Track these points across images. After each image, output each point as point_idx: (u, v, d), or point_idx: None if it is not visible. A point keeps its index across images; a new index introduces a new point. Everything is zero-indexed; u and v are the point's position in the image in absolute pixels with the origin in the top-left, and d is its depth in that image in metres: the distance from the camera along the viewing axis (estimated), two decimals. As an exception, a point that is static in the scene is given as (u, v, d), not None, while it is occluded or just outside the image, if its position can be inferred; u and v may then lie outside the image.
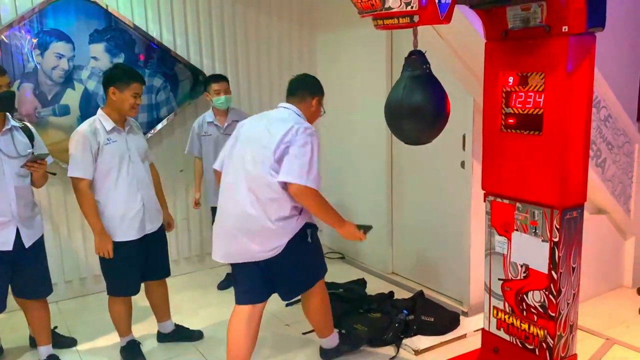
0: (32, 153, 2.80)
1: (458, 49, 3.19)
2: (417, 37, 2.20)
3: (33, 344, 3.29)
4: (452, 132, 3.57)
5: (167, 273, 3.29)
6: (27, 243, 2.81)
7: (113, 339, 3.33)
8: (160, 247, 3.22)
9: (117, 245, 2.93)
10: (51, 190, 3.93)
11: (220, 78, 4.04)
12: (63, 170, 3.89)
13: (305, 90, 2.79)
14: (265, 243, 2.61)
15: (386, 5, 1.92)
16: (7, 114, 2.78)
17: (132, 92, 2.90)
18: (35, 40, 3.72)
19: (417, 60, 2.16)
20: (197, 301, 4.02)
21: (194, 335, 3.41)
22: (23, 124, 2.88)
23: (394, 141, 4.20)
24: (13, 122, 2.79)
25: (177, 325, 3.43)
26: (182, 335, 3.40)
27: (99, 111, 2.96)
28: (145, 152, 3.12)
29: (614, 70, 3.79)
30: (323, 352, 3.13)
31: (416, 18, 1.92)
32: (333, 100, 4.84)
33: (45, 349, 3.04)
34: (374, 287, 4.09)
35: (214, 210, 4.20)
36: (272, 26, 4.71)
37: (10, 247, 2.74)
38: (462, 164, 3.59)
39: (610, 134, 3.66)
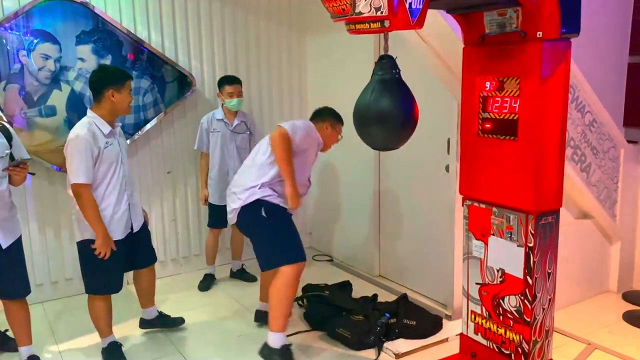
0: (11, 154, 2.80)
1: (441, 53, 3.20)
2: (388, 42, 2.20)
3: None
4: (437, 136, 3.60)
5: (155, 259, 3.38)
6: (5, 244, 2.80)
7: (95, 340, 3.32)
8: (145, 238, 3.30)
9: None
10: (38, 191, 3.94)
11: (234, 80, 4.08)
12: (49, 171, 3.92)
13: (317, 117, 3.37)
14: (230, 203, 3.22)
15: (357, 10, 1.93)
16: None
17: (128, 91, 2.98)
18: (34, 39, 3.75)
19: (386, 64, 2.16)
20: (182, 303, 4.02)
21: (176, 322, 3.50)
22: (2, 124, 2.87)
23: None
24: None
25: (160, 312, 3.49)
26: (165, 322, 3.48)
27: (91, 113, 2.94)
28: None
29: (600, 76, 3.80)
30: (263, 346, 3.09)
31: (387, 23, 1.92)
32: (324, 102, 4.85)
33: (26, 350, 3.03)
34: (361, 289, 4.10)
35: (211, 207, 4.23)
36: (260, 28, 4.72)
37: None
38: (447, 168, 3.59)
39: (595, 138, 3.66)
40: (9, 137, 2.82)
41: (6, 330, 3.29)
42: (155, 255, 3.39)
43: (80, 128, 2.88)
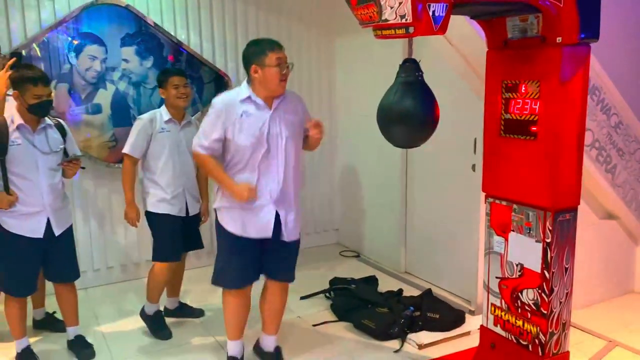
0: (65, 149, 3.07)
1: (467, 56, 3.33)
2: (412, 46, 2.34)
3: (36, 325, 3.59)
4: (464, 136, 3.71)
5: (201, 245, 3.75)
6: (57, 232, 3.05)
7: (135, 324, 3.62)
8: (194, 227, 3.61)
9: (162, 217, 3.39)
10: (83, 184, 4.21)
11: None
12: (94, 165, 4.19)
13: (245, 67, 2.79)
14: None
15: (383, 18, 2.08)
16: None
17: (171, 85, 3.35)
18: (83, 41, 4.04)
19: (410, 67, 2.30)
20: (217, 292, 4.23)
21: (195, 312, 3.77)
22: (57, 121, 3.14)
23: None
24: (47, 121, 3.04)
25: (181, 303, 3.78)
26: (186, 312, 3.76)
27: (162, 106, 3.45)
28: None
29: (629, 78, 3.85)
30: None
31: (411, 29, 2.06)
32: (352, 103, 5.04)
33: (73, 330, 3.30)
34: (387, 285, 4.24)
35: None
36: (292, 31, 4.91)
37: (41, 235, 2.98)
38: (473, 167, 3.70)
39: (622, 140, 3.72)
40: (63, 133, 3.10)
41: (54, 312, 3.57)
42: (202, 242, 3.73)
43: (146, 113, 3.42)
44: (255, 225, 2.80)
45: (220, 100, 2.78)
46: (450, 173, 3.98)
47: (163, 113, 3.39)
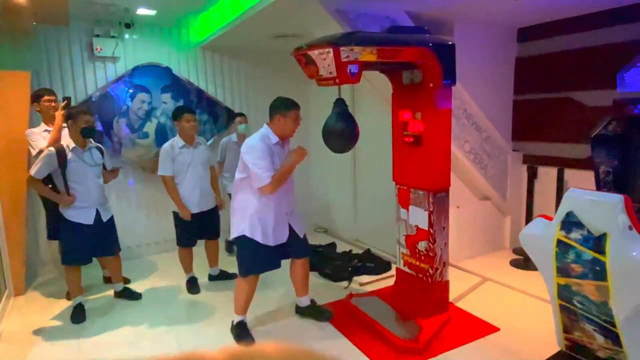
0: (103, 164, 3.29)
1: (383, 93, 3.73)
2: (340, 90, 2.71)
3: (106, 281, 3.88)
4: (389, 146, 4.10)
5: (217, 236, 3.82)
6: (105, 219, 3.26)
7: (166, 283, 3.92)
8: (213, 218, 3.72)
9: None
10: (136, 186, 4.53)
11: (241, 114, 4.56)
12: (143, 173, 4.52)
13: (271, 114, 2.83)
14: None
15: (320, 73, 2.48)
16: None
17: (184, 120, 3.45)
18: (135, 90, 4.38)
19: (340, 102, 2.68)
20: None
21: (232, 276, 3.93)
22: (97, 145, 3.29)
23: (355, 154, 4.76)
24: (91, 144, 3.22)
25: (221, 270, 3.99)
26: (225, 277, 3.95)
27: (177, 135, 3.52)
28: (207, 160, 3.64)
29: (495, 107, 4.28)
30: None
31: (337, 80, 2.46)
32: (320, 127, 5.39)
33: (119, 285, 3.58)
34: (342, 248, 4.60)
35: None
36: (276, 81, 5.28)
37: (91, 222, 3.17)
38: (395, 168, 4.10)
39: (490, 148, 4.15)
40: (102, 153, 3.30)
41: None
42: (219, 233, 3.82)
43: (166, 143, 3.55)
44: (277, 236, 2.85)
45: (260, 142, 2.71)
46: (382, 172, 4.34)
47: (178, 140, 3.49)
